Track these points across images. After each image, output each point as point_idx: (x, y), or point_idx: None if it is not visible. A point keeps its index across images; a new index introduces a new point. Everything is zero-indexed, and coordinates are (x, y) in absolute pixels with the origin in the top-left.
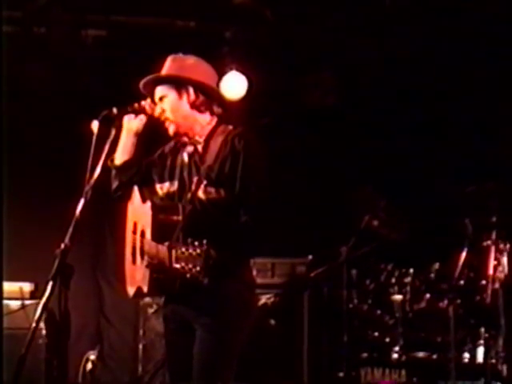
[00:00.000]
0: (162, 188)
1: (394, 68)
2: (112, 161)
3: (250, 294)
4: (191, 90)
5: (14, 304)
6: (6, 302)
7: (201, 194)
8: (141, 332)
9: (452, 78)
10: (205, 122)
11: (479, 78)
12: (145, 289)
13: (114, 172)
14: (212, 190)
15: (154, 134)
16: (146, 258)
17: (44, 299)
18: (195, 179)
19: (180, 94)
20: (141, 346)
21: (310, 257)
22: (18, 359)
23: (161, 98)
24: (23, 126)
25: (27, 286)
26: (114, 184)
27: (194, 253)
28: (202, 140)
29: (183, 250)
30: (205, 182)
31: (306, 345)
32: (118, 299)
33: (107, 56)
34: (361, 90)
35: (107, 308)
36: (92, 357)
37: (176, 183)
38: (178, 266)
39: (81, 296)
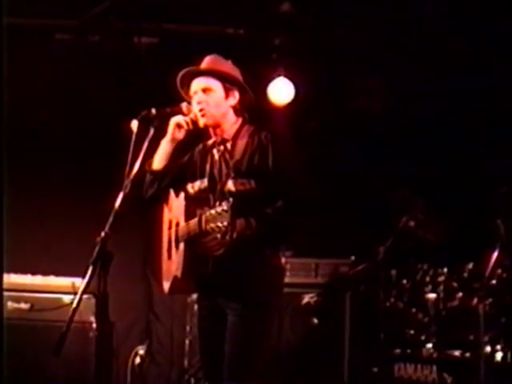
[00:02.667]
0: (194, 187)
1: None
2: (150, 165)
3: (278, 278)
4: (237, 93)
5: (67, 298)
6: (59, 296)
7: (231, 185)
8: (188, 328)
9: (491, 83)
10: (232, 121)
11: None
12: (179, 274)
13: (149, 177)
14: (242, 181)
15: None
16: (180, 242)
17: (84, 282)
18: (225, 172)
19: (227, 93)
20: (187, 342)
21: (353, 257)
22: (59, 336)
23: (205, 90)
24: (68, 126)
25: (79, 281)
26: (152, 189)
27: (220, 210)
28: (230, 138)
29: (211, 211)
30: (232, 175)
31: (347, 343)
32: (167, 296)
33: (159, 63)
34: (406, 95)
35: (156, 304)
36: (141, 351)
37: (206, 180)
38: (208, 227)
39: (131, 293)
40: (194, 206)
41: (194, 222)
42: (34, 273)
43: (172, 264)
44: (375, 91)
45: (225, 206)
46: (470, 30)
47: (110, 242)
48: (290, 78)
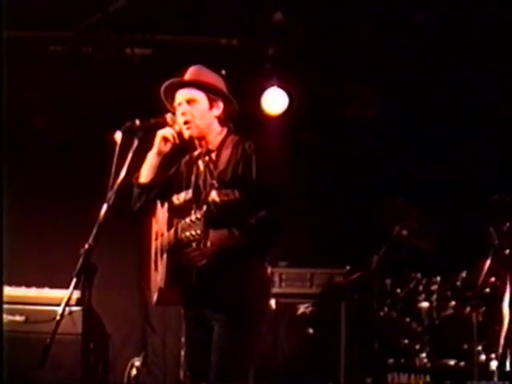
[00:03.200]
0: (179, 198)
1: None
2: (137, 178)
3: (263, 288)
4: (221, 104)
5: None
6: (54, 308)
7: (215, 196)
8: (183, 339)
9: (488, 91)
10: (217, 131)
11: None
12: (162, 284)
13: (137, 190)
14: (226, 191)
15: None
16: (163, 253)
17: (68, 294)
18: (209, 183)
19: (211, 104)
20: (183, 353)
21: (348, 267)
22: (43, 348)
23: (189, 101)
24: (60, 137)
25: (74, 294)
26: (140, 202)
27: (194, 218)
28: (214, 149)
29: (186, 220)
30: (216, 185)
31: (342, 353)
32: (162, 307)
33: (153, 73)
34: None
35: (152, 316)
36: (137, 363)
37: (190, 191)
38: (183, 236)
39: (127, 305)
40: (176, 216)
41: (171, 231)
42: (28, 285)
43: (158, 275)
44: (367, 99)
45: (198, 214)
46: (461, 36)
47: (105, 254)
48: (284, 88)
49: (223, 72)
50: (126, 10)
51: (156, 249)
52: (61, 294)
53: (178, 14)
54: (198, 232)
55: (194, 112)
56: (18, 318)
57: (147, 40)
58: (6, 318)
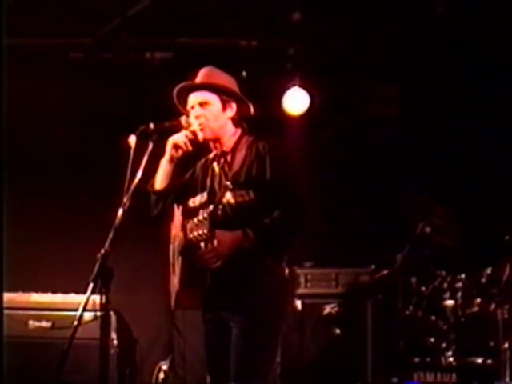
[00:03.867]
0: (194, 201)
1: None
2: (152, 186)
3: (281, 289)
4: (234, 105)
5: (88, 315)
6: (77, 316)
7: (230, 197)
8: None
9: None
10: (231, 133)
11: None
12: (178, 287)
13: (153, 197)
14: (241, 193)
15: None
16: (179, 256)
17: (85, 298)
18: (223, 184)
19: (224, 106)
20: None
21: (373, 266)
22: (61, 353)
23: (202, 104)
24: (83, 143)
25: (99, 298)
26: (157, 209)
27: (201, 218)
28: (229, 151)
29: (194, 220)
30: (231, 186)
31: (369, 352)
32: (188, 311)
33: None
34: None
35: (178, 319)
36: (164, 367)
37: (205, 194)
38: (191, 236)
39: (154, 309)
40: (190, 218)
41: (182, 232)
42: (54, 291)
43: (175, 278)
44: (390, 97)
45: (205, 213)
46: (482, 30)
47: (131, 259)
48: (305, 88)
49: (244, 73)
50: (145, 14)
51: (173, 251)
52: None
53: (198, 16)
54: (205, 231)
55: (208, 114)
56: (44, 323)
57: (167, 44)
58: (33, 324)
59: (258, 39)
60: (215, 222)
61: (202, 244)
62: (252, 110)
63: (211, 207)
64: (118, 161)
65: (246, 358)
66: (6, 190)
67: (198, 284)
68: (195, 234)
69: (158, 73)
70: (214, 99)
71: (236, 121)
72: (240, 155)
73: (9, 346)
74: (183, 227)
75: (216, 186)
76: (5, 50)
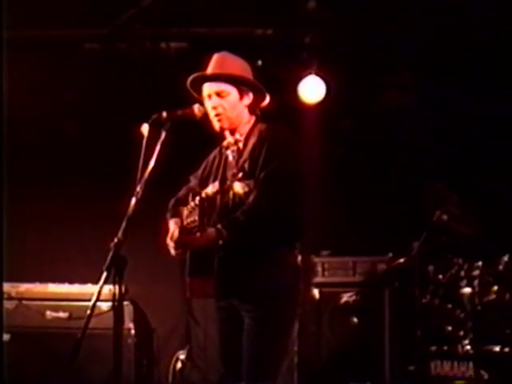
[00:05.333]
0: (208, 192)
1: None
2: None
3: (293, 278)
4: (251, 93)
5: (105, 305)
6: (97, 303)
7: (238, 188)
8: None
9: None
10: (245, 120)
11: None
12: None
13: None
14: (247, 182)
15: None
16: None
17: (98, 288)
18: (232, 173)
19: (241, 95)
20: None
21: (390, 254)
22: (74, 343)
23: (219, 94)
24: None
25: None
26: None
27: (193, 205)
28: (242, 138)
29: (188, 206)
30: (240, 175)
31: (386, 340)
32: (206, 300)
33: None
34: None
35: (195, 309)
36: (181, 356)
37: (217, 183)
38: (185, 222)
39: (172, 299)
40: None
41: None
42: (71, 282)
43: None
44: (407, 85)
45: (197, 201)
46: (501, 19)
47: (148, 249)
48: (321, 76)
49: (259, 62)
50: (160, 4)
51: None
52: (104, 289)
53: (212, 6)
54: (196, 219)
55: (225, 104)
56: (61, 314)
57: (182, 33)
58: (50, 314)
59: (273, 28)
60: (205, 211)
61: (194, 230)
62: (268, 97)
63: (203, 194)
64: (132, 150)
65: (258, 346)
66: (22, 184)
67: (206, 272)
68: (188, 220)
69: (174, 63)
70: (230, 89)
71: (252, 108)
72: (251, 143)
73: (26, 337)
74: (180, 214)
75: (228, 175)
76: (21, 41)
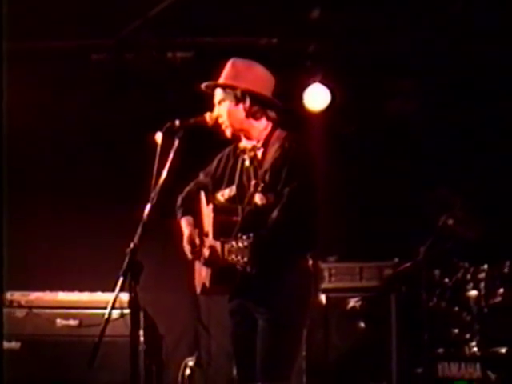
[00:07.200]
0: (223, 195)
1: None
2: None
3: (305, 282)
4: (247, 99)
5: (115, 313)
6: (107, 311)
7: (257, 199)
8: None
9: None
10: (261, 126)
11: None
12: (207, 284)
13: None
14: (268, 195)
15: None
16: (202, 255)
17: (115, 293)
18: (253, 183)
19: (236, 102)
20: None
21: (396, 259)
22: (93, 346)
23: (219, 102)
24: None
25: (126, 296)
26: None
27: (241, 245)
28: (260, 145)
29: (233, 243)
30: (262, 185)
31: (394, 344)
32: (214, 307)
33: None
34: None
35: (203, 316)
36: (190, 363)
37: (234, 188)
38: (229, 258)
39: (180, 306)
40: (222, 217)
41: (218, 247)
42: (81, 290)
43: (202, 269)
44: (411, 92)
45: (245, 241)
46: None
47: (156, 257)
48: (326, 84)
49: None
50: (166, 14)
51: (200, 244)
52: (111, 296)
53: (217, 15)
54: (245, 260)
55: (222, 111)
56: (71, 322)
57: (188, 43)
58: (60, 322)
59: (277, 37)
60: (255, 255)
61: (239, 267)
62: (277, 104)
63: (251, 236)
64: (144, 159)
65: (272, 348)
66: (32, 193)
67: (229, 282)
68: (234, 257)
69: (180, 72)
70: (226, 96)
71: (254, 114)
72: (271, 152)
73: (37, 345)
74: (217, 228)
75: (245, 182)
76: (28, 53)
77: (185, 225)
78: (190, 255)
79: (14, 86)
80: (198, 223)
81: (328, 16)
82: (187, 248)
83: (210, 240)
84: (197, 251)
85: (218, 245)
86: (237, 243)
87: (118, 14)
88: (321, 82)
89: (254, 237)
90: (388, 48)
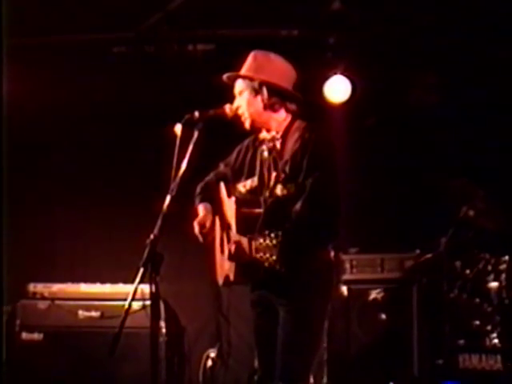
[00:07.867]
0: (245, 186)
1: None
2: None
3: (327, 273)
4: (265, 91)
5: (136, 304)
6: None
7: (278, 190)
8: None
9: None
10: (280, 118)
11: None
12: (231, 277)
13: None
14: (289, 185)
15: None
16: (226, 250)
17: (135, 284)
18: (274, 175)
19: (255, 93)
20: None
21: (418, 251)
22: (113, 337)
23: (239, 93)
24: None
25: (147, 288)
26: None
27: (270, 243)
28: (279, 136)
29: (261, 240)
30: (283, 176)
31: (415, 336)
32: (235, 299)
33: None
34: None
35: (225, 307)
36: (212, 354)
37: (256, 179)
38: (257, 255)
39: (201, 298)
40: (244, 210)
41: (244, 243)
42: (103, 281)
43: (224, 261)
44: (431, 84)
45: (274, 240)
46: None
47: (178, 248)
48: (347, 76)
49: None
50: (186, 6)
51: (222, 236)
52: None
53: (238, 7)
54: (274, 258)
55: (242, 102)
56: (93, 313)
57: (209, 35)
58: (83, 314)
59: (298, 29)
60: (283, 253)
61: (266, 264)
62: (296, 96)
63: (280, 234)
64: (163, 151)
65: (293, 338)
66: (53, 186)
67: (253, 276)
68: (262, 254)
69: (201, 64)
70: (245, 87)
71: (273, 106)
72: (290, 143)
73: (59, 336)
74: (240, 220)
75: (265, 173)
76: (50, 46)
77: (201, 209)
78: (198, 235)
79: (38, 79)
80: (217, 213)
81: (349, 7)
82: (196, 228)
83: (234, 235)
84: (205, 233)
85: (244, 241)
86: (265, 241)
87: (138, 6)
88: (342, 73)
89: (282, 235)
90: (411, 39)
